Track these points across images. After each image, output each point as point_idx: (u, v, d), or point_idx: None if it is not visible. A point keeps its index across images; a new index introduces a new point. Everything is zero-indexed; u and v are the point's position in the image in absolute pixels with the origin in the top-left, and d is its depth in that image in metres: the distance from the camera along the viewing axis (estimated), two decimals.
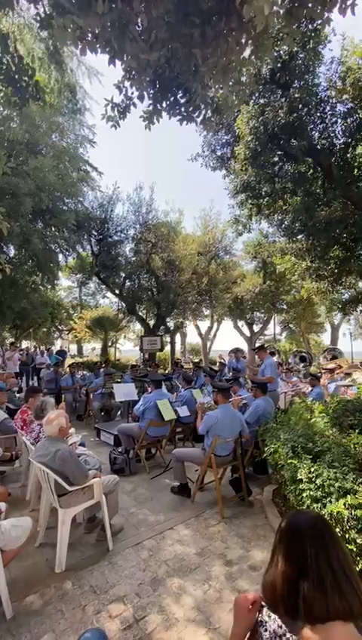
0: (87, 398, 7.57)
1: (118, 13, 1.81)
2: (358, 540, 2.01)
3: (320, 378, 6.79)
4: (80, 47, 2.07)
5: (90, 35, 2.09)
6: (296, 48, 5.69)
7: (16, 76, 3.18)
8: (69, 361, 15.25)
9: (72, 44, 2.06)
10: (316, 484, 2.41)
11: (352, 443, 2.82)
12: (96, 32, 2.06)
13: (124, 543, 2.89)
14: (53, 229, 10.63)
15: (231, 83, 2.41)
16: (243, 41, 2.09)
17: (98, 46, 2.10)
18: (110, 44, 2.05)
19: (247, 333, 21.52)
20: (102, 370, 8.20)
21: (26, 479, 3.77)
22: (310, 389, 6.61)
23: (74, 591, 2.32)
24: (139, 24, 2.02)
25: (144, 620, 2.08)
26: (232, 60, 2.17)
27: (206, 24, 1.95)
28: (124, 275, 14.24)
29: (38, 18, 2.57)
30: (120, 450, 4.62)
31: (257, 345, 13.36)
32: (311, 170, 6.85)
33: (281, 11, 2.07)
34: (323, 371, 7.47)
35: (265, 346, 9.87)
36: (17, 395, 7.15)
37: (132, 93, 2.81)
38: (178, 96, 2.81)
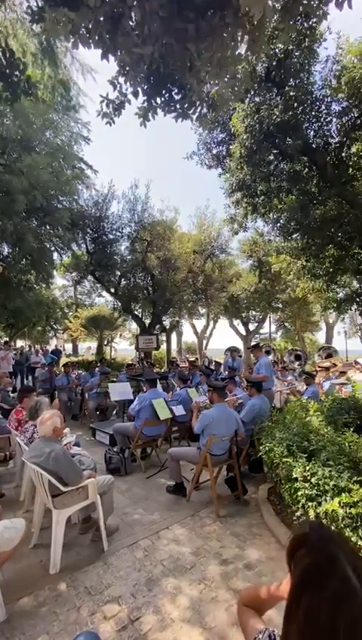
0: (83, 397, 7.52)
1: (110, 6, 1.78)
2: (353, 539, 2.02)
3: (315, 376, 6.83)
4: (72, 40, 2.03)
5: (82, 29, 2.05)
6: (291, 47, 5.68)
7: (7, 71, 3.13)
8: (64, 360, 15.18)
9: (64, 38, 2.02)
10: (311, 482, 2.41)
11: (347, 441, 2.83)
12: (90, 26, 2.02)
13: (119, 543, 2.88)
14: (47, 227, 10.55)
15: (226, 79, 2.38)
16: (238, 36, 2.07)
17: (90, 40, 2.07)
18: (102, 38, 2.02)
19: (243, 331, 21.59)
20: (97, 369, 8.16)
21: (20, 480, 3.74)
22: (305, 387, 6.64)
23: (68, 592, 2.30)
24: (133, 18, 1.99)
25: (139, 621, 2.06)
26: (227, 56, 2.15)
27: (200, 19, 1.93)
28: (119, 273, 14.18)
29: (30, 12, 2.52)
30: (115, 449, 4.60)
31: (253, 343, 13.39)
32: (307, 169, 6.85)
33: (278, 6, 2.05)
34: (318, 370, 7.52)
35: (261, 344, 9.88)
36: (11, 394, 7.08)
37: (126, 89, 2.77)
38: (173, 93, 2.77)
